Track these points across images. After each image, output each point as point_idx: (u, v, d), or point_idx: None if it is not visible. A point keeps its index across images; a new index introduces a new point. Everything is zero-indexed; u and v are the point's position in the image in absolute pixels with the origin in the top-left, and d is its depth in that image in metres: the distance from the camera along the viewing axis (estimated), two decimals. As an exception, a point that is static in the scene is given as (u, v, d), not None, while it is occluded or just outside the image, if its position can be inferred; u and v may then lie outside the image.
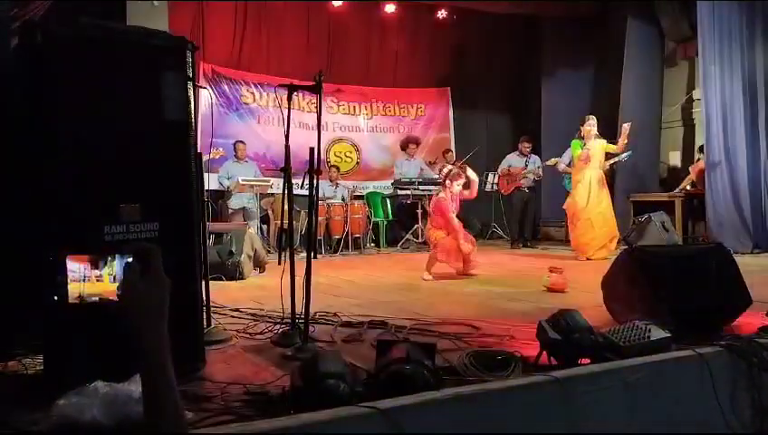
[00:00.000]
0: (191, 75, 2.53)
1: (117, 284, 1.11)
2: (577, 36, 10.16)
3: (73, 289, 1.00)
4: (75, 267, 1.04)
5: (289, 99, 3.28)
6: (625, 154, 7.47)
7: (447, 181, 6.00)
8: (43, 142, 2.30)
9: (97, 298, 1.06)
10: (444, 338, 3.07)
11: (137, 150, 2.40)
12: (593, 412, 2.29)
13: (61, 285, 0.94)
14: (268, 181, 8.65)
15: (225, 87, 9.66)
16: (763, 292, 3.48)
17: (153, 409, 1.04)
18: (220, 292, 4.42)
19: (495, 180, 9.79)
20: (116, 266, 1.06)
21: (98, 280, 1.06)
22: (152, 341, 1.06)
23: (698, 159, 8.76)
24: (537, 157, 9.54)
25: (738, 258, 3.53)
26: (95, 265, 1.04)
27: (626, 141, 7.32)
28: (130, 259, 1.11)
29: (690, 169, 9.03)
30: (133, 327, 1.06)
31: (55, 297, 0.93)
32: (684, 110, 9.80)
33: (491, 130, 11.43)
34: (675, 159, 9.83)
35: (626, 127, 7.32)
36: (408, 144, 10.26)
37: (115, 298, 1.11)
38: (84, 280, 1.04)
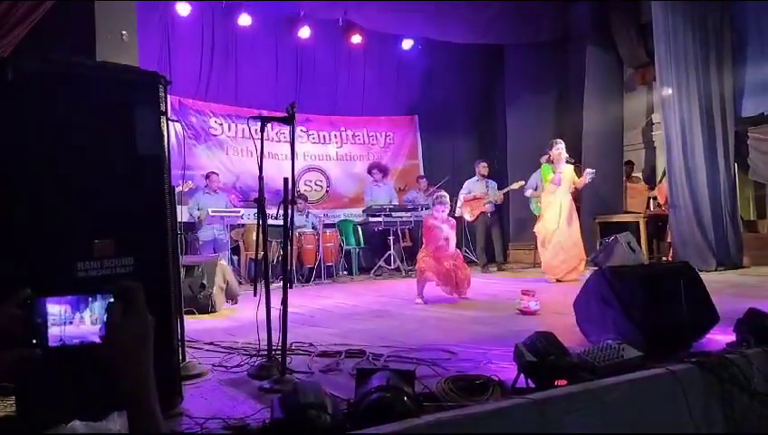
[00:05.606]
0: (164, 110, 2.54)
1: (99, 326, 1.07)
2: (540, 63, 10.43)
3: (54, 332, 0.98)
4: (56, 310, 1.01)
5: (261, 131, 3.31)
6: (589, 174, 7.49)
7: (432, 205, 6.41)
8: (13, 178, 2.27)
9: (78, 341, 1.03)
10: (422, 364, 3.09)
11: (111, 186, 2.39)
12: (572, 432, 2.32)
13: (39, 329, 0.92)
14: (238, 212, 8.61)
15: (193, 119, 9.61)
16: (728, 309, 3.57)
17: None
18: (193, 326, 4.37)
19: (461, 205, 9.66)
20: (97, 308, 1.03)
21: (80, 323, 1.02)
22: (137, 383, 1.03)
23: (661, 181, 8.99)
24: (494, 181, 9.54)
25: (703, 276, 3.62)
26: (76, 308, 1.01)
27: (586, 182, 7.55)
28: (111, 299, 1.08)
29: (656, 189, 9.24)
30: (117, 370, 1.02)
31: (33, 341, 0.90)
32: (644, 133, 10.09)
33: (457, 157, 11.55)
34: (638, 180, 10.06)
35: (588, 173, 7.45)
36: (371, 170, 10.29)
37: (97, 340, 1.07)
38: (65, 323, 1.00)
